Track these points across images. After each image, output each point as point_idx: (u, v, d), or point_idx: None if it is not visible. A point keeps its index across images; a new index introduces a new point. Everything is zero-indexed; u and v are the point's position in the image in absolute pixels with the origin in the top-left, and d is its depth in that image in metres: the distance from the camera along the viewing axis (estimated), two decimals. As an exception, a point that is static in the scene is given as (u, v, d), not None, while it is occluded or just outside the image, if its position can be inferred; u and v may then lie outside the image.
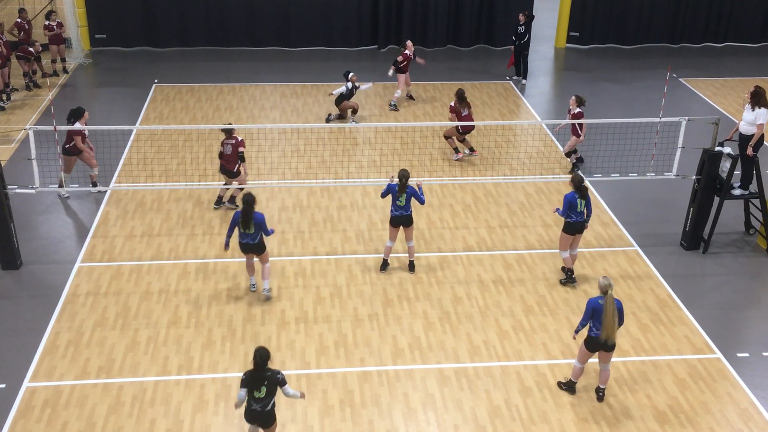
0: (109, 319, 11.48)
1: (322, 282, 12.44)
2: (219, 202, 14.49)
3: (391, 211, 12.34)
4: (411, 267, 12.77)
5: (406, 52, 19.07)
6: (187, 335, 11.17)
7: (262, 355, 8.41)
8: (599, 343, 9.71)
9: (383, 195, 12.44)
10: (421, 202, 12.37)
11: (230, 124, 14.59)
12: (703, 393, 10.33)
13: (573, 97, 15.53)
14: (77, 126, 14.05)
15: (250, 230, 11.33)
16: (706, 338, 11.37)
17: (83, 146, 14.29)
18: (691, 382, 10.53)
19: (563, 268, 12.61)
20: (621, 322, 9.73)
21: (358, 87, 18.17)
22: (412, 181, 12.40)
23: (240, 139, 13.82)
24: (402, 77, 19.23)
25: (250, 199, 11.18)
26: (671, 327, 11.61)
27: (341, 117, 18.40)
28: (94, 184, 14.80)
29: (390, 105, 19.38)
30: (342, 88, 18.05)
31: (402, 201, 12.20)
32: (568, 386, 10.25)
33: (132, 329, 11.27)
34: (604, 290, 9.52)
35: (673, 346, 11.21)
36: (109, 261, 12.90)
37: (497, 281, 12.57)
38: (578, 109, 15.49)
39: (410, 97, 20.00)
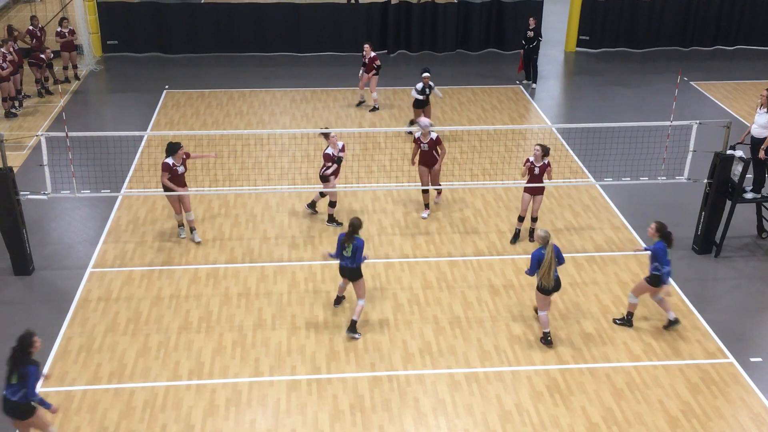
0: (121, 324, 11.52)
1: (332, 287, 12.44)
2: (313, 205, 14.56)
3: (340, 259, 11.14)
4: (351, 327, 11.20)
5: (363, 53, 19.06)
6: (197, 340, 11.19)
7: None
8: (551, 288, 10.86)
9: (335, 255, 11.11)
10: (357, 261, 10.97)
11: (326, 128, 14.13)
12: (716, 398, 10.27)
13: (538, 147, 13.00)
14: (168, 161, 12.91)
15: (13, 380, 8.46)
16: (718, 343, 11.30)
17: (168, 183, 12.93)
18: (704, 386, 10.47)
19: (630, 314, 11.58)
20: (561, 261, 10.96)
21: (432, 88, 17.32)
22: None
23: (328, 146, 13.71)
24: (364, 78, 19.21)
25: (25, 339, 8.58)
26: (683, 331, 11.54)
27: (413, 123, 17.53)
28: (191, 230, 13.62)
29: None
30: (413, 92, 17.35)
31: (348, 252, 10.90)
32: (545, 338, 11.16)
33: (143, 334, 11.30)
34: (546, 241, 10.62)
35: (685, 350, 11.15)
36: (120, 266, 12.95)
37: (508, 286, 12.53)
38: (545, 161, 13.14)
39: (361, 102, 19.79)
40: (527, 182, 13.26)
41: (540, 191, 13.37)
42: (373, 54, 18.93)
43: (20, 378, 8.42)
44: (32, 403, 8.55)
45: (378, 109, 19.48)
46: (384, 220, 14.38)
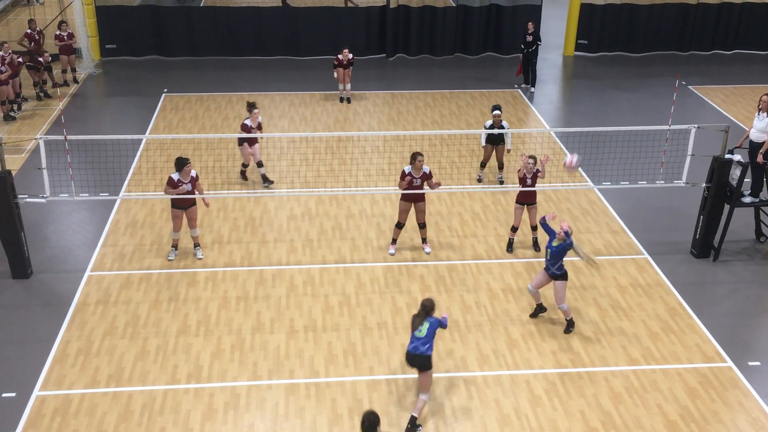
0: (119, 327, 11.51)
1: (330, 290, 12.44)
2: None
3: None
4: (411, 426, 9.65)
5: (339, 57, 19.79)
6: (196, 344, 11.18)
7: (370, 420, 7.97)
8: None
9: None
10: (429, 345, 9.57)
11: (254, 102, 15.48)
12: (714, 402, 10.27)
13: (530, 161, 12.85)
14: (173, 176, 12.54)
15: None
16: (717, 347, 11.31)
17: (171, 193, 12.56)
18: (702, 390, 10.47)
19: None
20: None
21: (505, 128, 15.15)
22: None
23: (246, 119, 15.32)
24: (344, 73, 20.02)
25: None
26: (682, 335, 11.55)
27: (501, 168, 15.89)
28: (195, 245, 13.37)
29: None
30: (483, 132, 15.59)
31: (422, 331, 9.56)
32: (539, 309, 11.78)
33: (141, 338, 11.29)
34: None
35: (683, 354, 11.15)
36: (118, 270, 12.93)
37: (506, 289, 12.53)
38: (535, 169, 12.98)
39: (344, 99, 20.37)
40: (519, 192, 13.14)
41: (533, 200, 13.22)
42: (351, 56, 19.85)
43: None
44: None
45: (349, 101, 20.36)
46: (383, 224, 14.38)
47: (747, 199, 13.51)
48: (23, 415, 9.86)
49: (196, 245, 13.32)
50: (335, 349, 11.11)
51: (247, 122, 15.21)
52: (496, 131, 15.05)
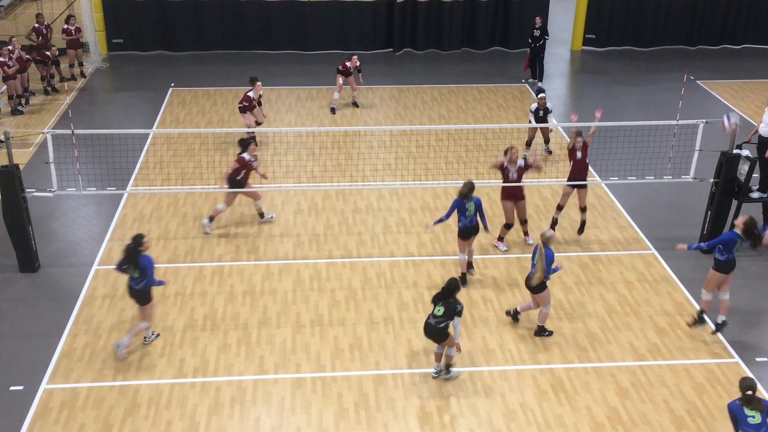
0: (126, 321, 11.54)
1: (337, 285, 12.45)
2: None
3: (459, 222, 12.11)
4: (469, 266, 12.64)
5: (347, 63, 19.07)
6: (202, 338, 11.21)
7: (450, 284, 9.88)
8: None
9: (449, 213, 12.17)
10: (483, 222, 12.14)
11: (254, 77, 16.98)
12: (722, 398, 10.24)
13: (579, 140, 13.18)
14: (245, 156, 13.40)
15: (135, 273, 10.42)
16: (724, 342, 11.27)
17: (239, 171, 13.46)
18: (709, 386, 10.44)
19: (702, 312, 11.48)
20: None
21: (550, 111, 16.25)
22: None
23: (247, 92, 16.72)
24: (340, 79, 19.19)
25: (137, 239, 10.39)
26: (689, 331, 11.52)
27: (547, 141, 17.07)
28: (261, 215, 14.16)
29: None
30: (530, 116, 16.43)
31: (471, 210, 12.00)
32: (514, 315, 11.61)
33: (148, 332, 11.33)
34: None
35: (690, 350, 11.12)
36: (125, 264, 12.96)
37: (513, 284, 12.52)
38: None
39: (335, 111, 19.51)
40: (570, 172, 13.37)
41: (584, 177, 13.32)
42: (358, 63, 19.22)
43: (141, 271, 10.33)
44: (153, 285, 10.49)
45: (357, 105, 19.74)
46: (389, 219, 14.39)
47: (755, 195, 13.46)
48: (31, 408, 9.91)
49: (262, 214, 14.12)
50: (341, 344, 11.12)
51: (251, 94, 16.64)
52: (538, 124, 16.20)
